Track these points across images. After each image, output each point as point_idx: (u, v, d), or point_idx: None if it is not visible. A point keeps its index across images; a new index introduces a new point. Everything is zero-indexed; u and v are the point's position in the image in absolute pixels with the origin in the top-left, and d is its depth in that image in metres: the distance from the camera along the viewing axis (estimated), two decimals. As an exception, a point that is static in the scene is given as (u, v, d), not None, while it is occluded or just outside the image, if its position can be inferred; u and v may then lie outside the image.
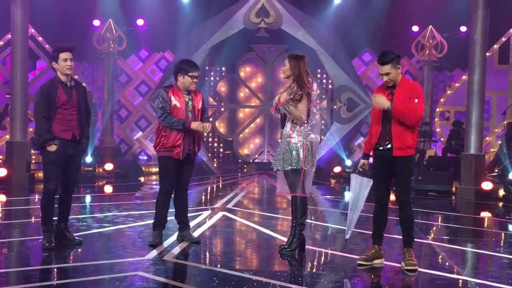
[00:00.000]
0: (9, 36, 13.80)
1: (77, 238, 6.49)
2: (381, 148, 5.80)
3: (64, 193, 6.45)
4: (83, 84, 6.65)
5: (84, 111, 6.37)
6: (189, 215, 6.94)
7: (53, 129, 6.16)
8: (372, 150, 5.89)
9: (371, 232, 6.01)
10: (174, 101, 6.48)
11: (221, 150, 19.55)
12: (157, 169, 16.03)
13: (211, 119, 17.75)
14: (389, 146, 5.74)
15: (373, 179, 5.92)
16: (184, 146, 6.46)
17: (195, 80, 6.53)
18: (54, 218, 6.42)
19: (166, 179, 6.62)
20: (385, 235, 6.15)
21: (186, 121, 6.41)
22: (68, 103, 6.20)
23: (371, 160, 6.03)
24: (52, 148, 6.14)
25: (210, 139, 19.05)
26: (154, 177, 15.57)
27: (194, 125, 6.43)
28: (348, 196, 5.95)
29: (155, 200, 6.79)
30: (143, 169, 15.77)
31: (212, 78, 19.04)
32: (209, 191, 12.92)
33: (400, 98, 5.69)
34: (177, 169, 6.55)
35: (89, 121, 6.52)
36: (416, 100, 5.69)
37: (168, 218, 6.76)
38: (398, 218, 5.93)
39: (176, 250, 6.37)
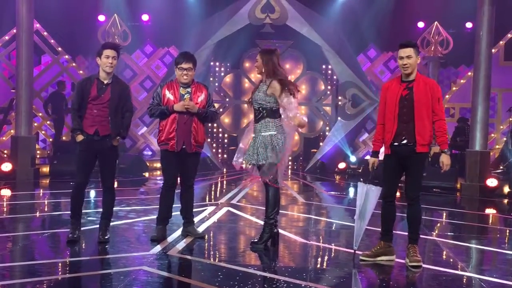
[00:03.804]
0: (14, 31, 13.81)
1: (106, 238, 6.39)
2: (396, 144, 5.75)
3: (103, 191, 6.57)
4: (125, 83, 6.59)
5: (117, 109, 6.29)
6: (193, 210, 6.92)
7: (83, 122, 6.27)
8: (387, 146, 5.83)
9: (375, 228, 6.01)
10: (168, 94, 6.53)
11: (225, 145, 19.54)
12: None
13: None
14: (404, 141, 5.71)
15: (383, 174, 5.88)
16: (178, 139, 6.46)
17: (185, 72, 6.50)
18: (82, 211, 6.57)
19: (167, 172, 6.67)
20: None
21: (168, 106, 6.44)
22: (97, 99, 6.22)
23: (380, 157, 5.97)
24: (79, 138, 6.24)
25: (214, 135, 19.03)
26: (158, 172, 15.58)
27: (177, 106, 6.43)
28: (355, 200, 5.90)
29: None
30: (148, 164, 15.78)
31: (217, 74, 19.02)
32: (213, 186, 12.92)
33: (420, 95, 5.62)
34: (176, 162, 6.55)
35: (126, 120, 6.41)
36: (438, 100, 5.68)
37: (174, 214, 6.77)
38: (403, 215, 5.92)
39: (181, 245, 6.37)
